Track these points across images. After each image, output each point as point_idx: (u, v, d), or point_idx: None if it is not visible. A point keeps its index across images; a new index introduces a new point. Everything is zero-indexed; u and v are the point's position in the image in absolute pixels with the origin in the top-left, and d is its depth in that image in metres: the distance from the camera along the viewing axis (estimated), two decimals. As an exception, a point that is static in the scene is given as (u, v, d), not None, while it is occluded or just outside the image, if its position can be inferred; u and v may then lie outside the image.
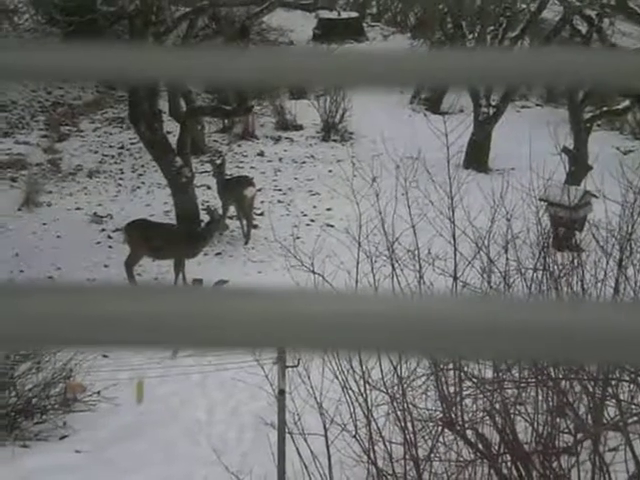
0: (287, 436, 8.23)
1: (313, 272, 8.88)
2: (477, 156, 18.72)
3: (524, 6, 20.99)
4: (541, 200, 12.09)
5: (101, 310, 0.85)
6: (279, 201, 17.43)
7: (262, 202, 16.90)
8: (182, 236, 14.27)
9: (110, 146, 20.06)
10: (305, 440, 8.02)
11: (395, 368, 8.06)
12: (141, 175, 18.63)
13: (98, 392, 10.52)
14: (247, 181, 16.30)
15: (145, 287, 0.86)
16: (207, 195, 16.95)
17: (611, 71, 1.03)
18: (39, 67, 1.03)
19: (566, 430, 8.12)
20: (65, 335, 0.86)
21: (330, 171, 18.53)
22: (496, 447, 7.98)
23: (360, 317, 0.85)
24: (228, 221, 15.57)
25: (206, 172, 17.91)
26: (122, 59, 1.02)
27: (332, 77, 1.03)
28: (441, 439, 8.01)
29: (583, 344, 0.86)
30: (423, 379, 8.18)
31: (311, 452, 7.99)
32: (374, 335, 0.84)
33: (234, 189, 15.78)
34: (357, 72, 1.01)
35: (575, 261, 9.20)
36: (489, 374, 8.20)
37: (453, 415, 7.98)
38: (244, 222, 15.85)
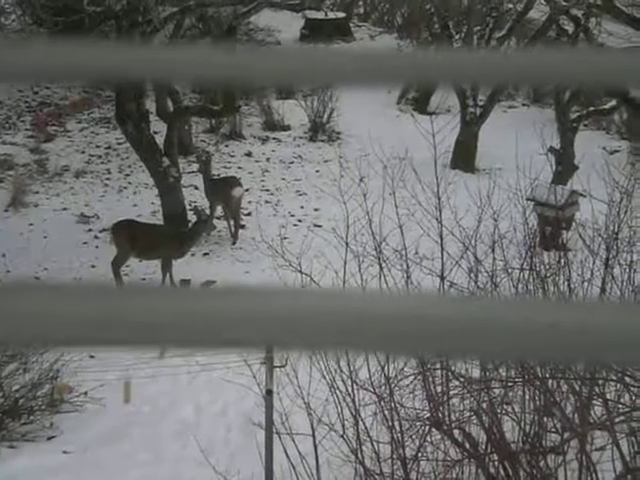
0: (275, 436, 8.23)
1: (300, 272, 8.89)
2: (464, 156, 18.74)
3: (510, 6, 21.03)
4: (528, 200, 12.13)
5: (89, 310, 0.85)
6: (266, 201, 17.42)
7: (249, 202, 16.89)
8: (169, 236, 14.25)
9: (97, 146, 20.02)
10: (293, 440, 8.03)
11: (382, 368, 8.07)
12: (128, 175, 18.59)
13: (85, 393, 10.50)
14: (234, 181, 16.29)
15: (133, 287, 0.86)
16: (194, 195, 16.93)
17: (597, 70, 1.04)
18: (26, 66, 1.03)
19: (553, 429, 8.14)
20: (53, 334, 0.86)
21: (318, 171, 18.54)
22: (483, 447, 7.99)
23: (349, 316, 0.85)
24: (215, 221, 15.56)
25: (193, 172, 17.89)
26: (109, 57, 1.02)
27: (320, 76, 1.04)
28: (428, 439, 8.02)
29: (570, 343, 0.86)
30: (410, 379, 8.19)
31: (299, 452, 7.99)
32: (362, 334, 0.85)
33: (221, 189, 15.77)
34: (345, 71, 1.01)
35: (562, 260, 9.23)
36: (476, 374, 8.22)
37: (440, 415, 8.00)
38: (231, 222, 15.84)
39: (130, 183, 18.21)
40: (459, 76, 1.04)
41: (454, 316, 0.85)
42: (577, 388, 7.90)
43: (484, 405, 7.93)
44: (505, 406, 8.13)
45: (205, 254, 15.17)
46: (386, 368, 8.06)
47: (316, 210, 16.77)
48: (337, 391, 8.10)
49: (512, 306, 0.88)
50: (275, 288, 0.87)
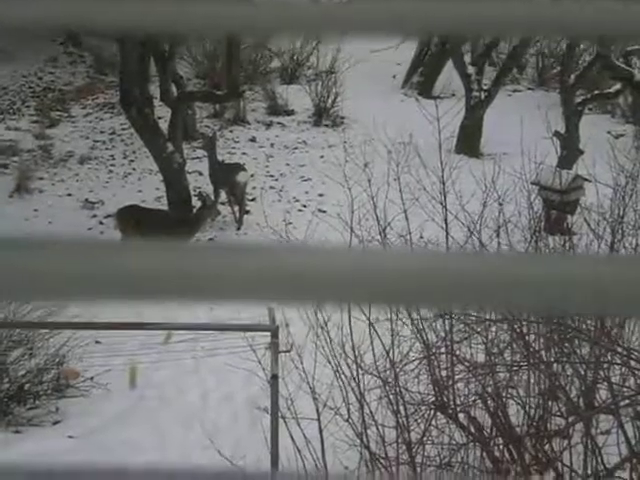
0: (280, 421, 8.24)
1: (305, 257, 8.89)
2: (469, 141, 18.71)
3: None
4: (533, 184, 12.11)
5: (93, 265, 0.85)
6: (271, 187, 17.40)
7: (254, 188, 16.88)
8: (174, 222, 14.26)
9: (101, 132, 20.01)
10: (298, 424, 8.04)
11: (387, 352, 8.08)
12: (132, 161, 18.59)
13: (91, 378, 10.53)
14: (240, 167, 16.30)
15: (139, 243, 0.86)
16: (199, 181, 16.93)
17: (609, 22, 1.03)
18: (37, 18, 1.03)
19: (558, 413, 8.15)
20: (58, 289, 0.86)
21: (322, 156, 18.51)
22: (488, 430, 8.01)
23: (354, 272, 0.85)
24: (220, 207, 15.57)
25: (197, 158, 17.88)
26: (117, 9, 1.02)
27: (334, 26, 1.03)
28: (433, 422, 8.04)
29: (578, 296, 0.86)
30: (415, 363, 8.21)
31: (304, 436, 8.01)
32: (365, 289, 0.84)
33: (226, 175, 15.77)
34: (357, 21, 1.00)
35: (567, 244, 9.22)
36: (481, 358, 8.23)
37: (445, 399, 8.01)
38: (236, 208, 15.84)
39: (134, 169, 18.21)
40: (474, 26, 1.03)
41: (454, 270, 0.85)
42: (582, 372, 7.91)
43: (489, 389, 7.94)
44: (510, 390, 8.14)
45: (210, 239, 15.18)
46: (391, 352, 8.07)
47: (320, 195, 16.76)
48: (342, 376, 8.11)
49: (514, 260, 0.88)
50: (279, 245, 0.87)
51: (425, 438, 7.93)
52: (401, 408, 7.92)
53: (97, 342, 10.83)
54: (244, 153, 18.95)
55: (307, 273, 0.84)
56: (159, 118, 16.59)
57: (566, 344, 8.08)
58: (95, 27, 1.03)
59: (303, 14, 1.01)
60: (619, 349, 7.85)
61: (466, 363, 8.10)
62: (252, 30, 1.03)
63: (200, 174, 17.18)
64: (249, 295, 0.86)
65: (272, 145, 19.52)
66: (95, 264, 0.86)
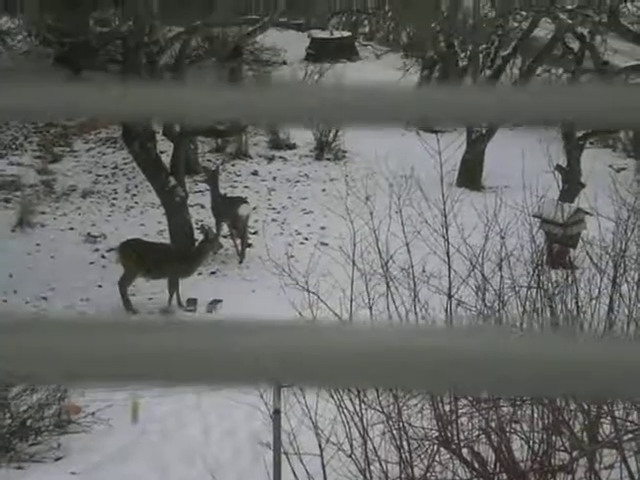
0: (283, 456, 8.20)
1: (307, 291, 8.88)
2: (470, 174, 18.74)
3: (516, 24, 21.07)
4: (534, 217, 12.12)
5: (100, 345, 0.85)
6: (273, 220, 17.43)
7: (256, 221, 16.90)
8: (176, 255, 14.26)
9: (104, 166, 20.07)
10: (301, 460, 8.00)
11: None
12: (135, 195, 18.63)
13: (93, 413, 10.49)
14: (242, 200, 16.34)
15: (145, 322, 0.86)
16: (201, 214, 16.95)
17: (600, 106, 1.03)
18: (30, 105, 1.03)
19: (562, 448, 8.11)
20: (67, 371, 0.86)
21: (324, 190, 18.55)
22: (492, 466, 7.96)
23: (355, 351, 0.84)
24: (222, 240, 15.58)
25: (200, 192, 17.91)
26: (115, 96, 1.02)
27: (324, 113, 1.03)
28: (437, 458, 7.99)
29: (578, 377, 0.86)
30: (418, 398, 8.17)
31: (307, 472, 7.96)
32: (369, 368, 0.84)
33: (229, 208, 15.80)
34: (349, 108, 1.01)
35: (569, 278, 9.21)
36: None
37: (449, 434, 7.97)
38: (238, 241, 15.85)
39: (137, 203, 18.24)
40: (467, 114, 1.04)
41: (464, 349, 0.85)
42: (585, 406, 7.87)
43: (493, 424, 7.90)
44: (513, 425, 8.10)
45: (212, 273, 15.17)
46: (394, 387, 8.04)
47: (322, 228, 16.77)
48: (345, 410, 8.07)
49: (523, 339, 0.88)
50: (286, 322, 0.86)
51: (429, 474, 7.88)
52: (404, 443, 7.88)
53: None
54: (246, 186, 18.99)
55: (308, 353, 0.84)
56: (162, 152, 16.65)
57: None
58: (95, 114, 1.04)
59: (302, 99, 1.01)
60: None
61: (469, 398, 8.07)
62: (256, 116, 1.04)
63: (202, 207, 17.21)
64: (257, 376, 0.85)
65: (274, 178, 19.57)
66: (96, 344, 0.85)
